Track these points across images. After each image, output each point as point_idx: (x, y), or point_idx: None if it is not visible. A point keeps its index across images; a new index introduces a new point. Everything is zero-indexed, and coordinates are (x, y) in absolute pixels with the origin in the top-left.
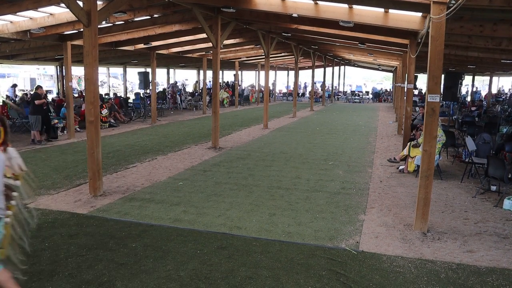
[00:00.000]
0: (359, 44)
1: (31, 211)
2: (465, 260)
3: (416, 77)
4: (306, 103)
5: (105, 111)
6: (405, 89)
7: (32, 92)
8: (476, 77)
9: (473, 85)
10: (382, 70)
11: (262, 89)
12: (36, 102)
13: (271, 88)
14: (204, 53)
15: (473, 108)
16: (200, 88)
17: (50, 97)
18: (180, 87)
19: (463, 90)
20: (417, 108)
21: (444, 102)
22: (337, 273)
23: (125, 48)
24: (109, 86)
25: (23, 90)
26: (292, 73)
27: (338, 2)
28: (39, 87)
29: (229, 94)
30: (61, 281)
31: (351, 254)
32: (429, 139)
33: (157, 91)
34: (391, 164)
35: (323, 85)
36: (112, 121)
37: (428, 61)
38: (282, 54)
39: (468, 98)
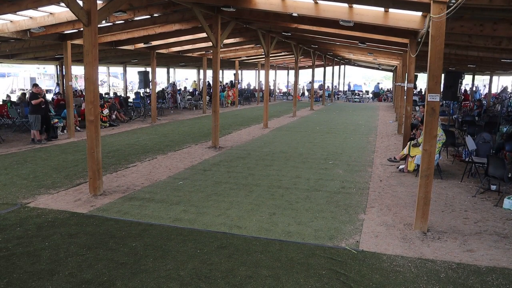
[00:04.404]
0: (359, 44)
1: None
2: (465, 259)
3: (416, 77)
4: (306, 103)
5: (106, 111)
6: (405, 88)
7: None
8: (476, 76)
9: (473, 84)
10: (382, 69)
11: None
12: (33, 102)
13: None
14: (204, 52)
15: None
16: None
17: (50, 96)
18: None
19: (463, 89)
20: (417, 108)
21: (444, 102)
22: (337, 273)
23: (125, 47)
24: (109, 86)
25: (23, 90)
26: (292, 72)
27: (338, 1)
28: (35, 85)
29: (233, 95)
30: (61, 280)
31: (351, 253)
32: (429, 138)
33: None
34: (391, 164)
35: (322, 85)
36: (114, 116)
37: (428, 60)
38: (282, 54)
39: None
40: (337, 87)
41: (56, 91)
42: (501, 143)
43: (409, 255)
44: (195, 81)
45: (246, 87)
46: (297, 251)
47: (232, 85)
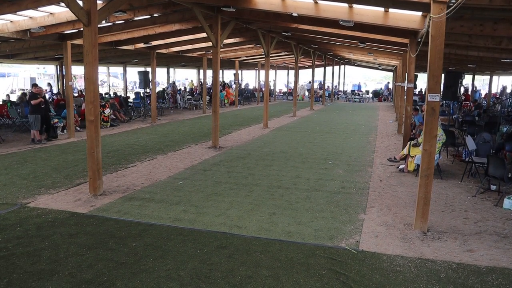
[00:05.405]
0: (359, 44)
1: None
2: (465, 259)
3: (416, 76)
4: (306, 103)
5: (107, 111)
6: (405, 88)
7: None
8: (476, 76)
9: (473, 85)
10: (382, 69)
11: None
12: (32, 102)
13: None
14: (204, 52)
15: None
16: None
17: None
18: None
19: (463, 89)
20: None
21: (444, 102)
22: (337, 273)
23: (125, 47)
24: (109, 86)
25: (23, 90)
26: (292, 72)
27: (338, 1)
28: (34, 85)
29: (229, 94)
30: (61, 280)
31: (351, 253)
32: (429, 138)
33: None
34: (391, 164)
35: (320, 84)
36: (113, 116)
37: (428, 60)
38: (282, 54)
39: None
40: (337, 87)
41: (48, 91)
42: (501, 143)
43: (409, 255)
44: (192, 81)
45: (244, 87)
46: (297, 251)
47: (229, 85)
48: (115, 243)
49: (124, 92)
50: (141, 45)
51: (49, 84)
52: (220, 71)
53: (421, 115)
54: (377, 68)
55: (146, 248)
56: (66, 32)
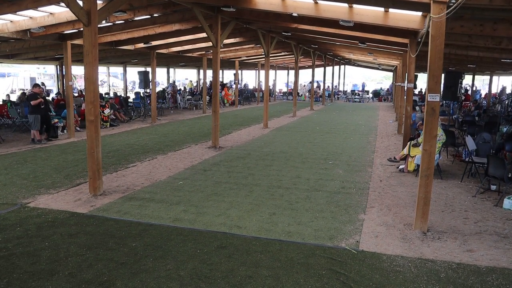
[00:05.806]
0: (359, 44)
1: None
2: (465, 259)
3: (416, 77)
4: (306, 103)
5: (107, 111)
6: (405, 88)
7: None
8: (476, 76)
9: (473, 85)
10: (382, 69)
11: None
12: (32, 102)
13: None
14: (204, 52)
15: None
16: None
17: (50, 96)
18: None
19: (463, 89)
20: (417, 108)
21: (444, 102)
22: (337, 273)
23: (125, 47)
24: (109, 86)
25: (23, 90)
26: (292, 72)
27: (338, 1)
28: (35, 85)
29: (227, 95)
30: (61, 280)
31: (351, 253)
32: (429, 138)
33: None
34: (391, 164)
35: (318, 83)
36: (113, 116)
37: (428, 60)
38: (282, 54)
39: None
40: (337, 87)
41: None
42: (501, 143)
43: (409, 255)
44: (191, 81)
45: (244, 87)
46: (297, 251)
47: (229, 86)
48: (115, 243)
49: (124, 92)
50: (141, 45)
51: (43, 83)
52: (220, 71)
53: (415, 113)
54: (377, 68)
55: (146, 248)
56: (66, 32)
